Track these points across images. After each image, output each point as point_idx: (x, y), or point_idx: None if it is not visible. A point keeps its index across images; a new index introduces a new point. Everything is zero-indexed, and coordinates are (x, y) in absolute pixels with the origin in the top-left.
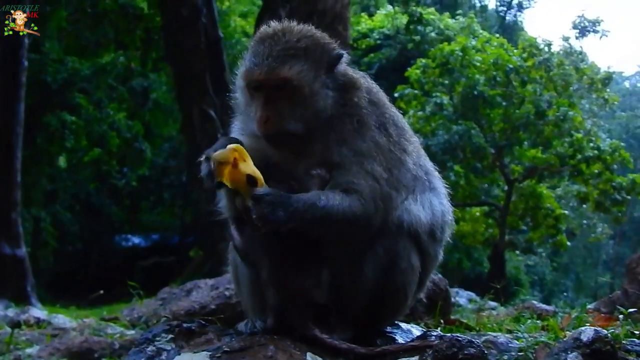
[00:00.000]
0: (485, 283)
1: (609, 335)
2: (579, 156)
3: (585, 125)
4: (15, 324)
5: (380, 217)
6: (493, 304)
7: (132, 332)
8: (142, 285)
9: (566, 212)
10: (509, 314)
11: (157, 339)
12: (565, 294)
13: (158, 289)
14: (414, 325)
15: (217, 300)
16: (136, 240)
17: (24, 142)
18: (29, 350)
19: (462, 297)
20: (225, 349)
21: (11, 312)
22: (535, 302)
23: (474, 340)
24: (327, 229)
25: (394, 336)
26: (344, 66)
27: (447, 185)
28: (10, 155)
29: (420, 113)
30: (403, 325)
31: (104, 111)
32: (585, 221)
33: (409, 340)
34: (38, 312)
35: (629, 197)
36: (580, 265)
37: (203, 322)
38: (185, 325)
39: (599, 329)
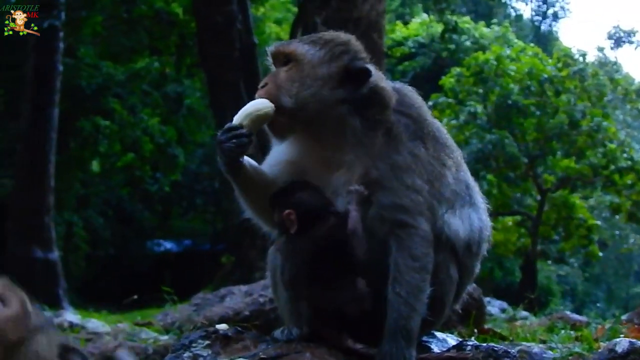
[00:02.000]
0: (516, 293)
1: None
2: (612, 167)
3: (618, 136)
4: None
5: (430, 226)
6: (525, 313)
7: (166, 337)
8: (173, 291)
9: (598, 222)
10: (542, 324)
11: (194, 345)
12: (596, 304)
13: (189, 295)
14: (450, 335)
15: (250, 307)
16: (168, 245)
17: (58, 146)
18: None
19: (494, 306)
20: (262, 356)
21: None
22: (568, 312)
23: (509, 350)
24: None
25: (429, 345)
26: (374, 81)
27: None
28: (44, 160)
29: (453, 122)
30: (439, 334)
31: (138, 116)
32: (617, 232)
33: (444, 349)
34: (72, 316)
35: None
36: (612, 275)
37: (240, 329)
38: (221, 331)
39: (633, 340)
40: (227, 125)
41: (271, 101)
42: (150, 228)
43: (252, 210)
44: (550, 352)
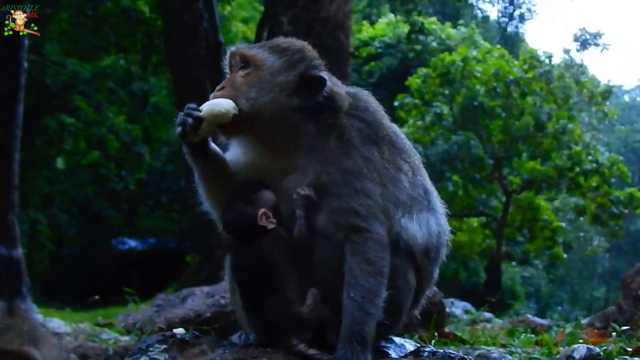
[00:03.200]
0: (481, 294)
1: (601, 353)
2: (577, 169)
3: (584, 138)
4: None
5: (386, 230)
6: (488, 315)
7: (127, 338)
8: (138, 290)
9: (563, 224)
10: (504, 327)
11: (151, 349)
12: (560, 306)
13: (154, 294)
14: (408, 340)
15: (212, 309)
16: (133, 243)
17: (23, 144)
18: None
19: (457, 307)
20: None
21: None
22: (529, 315)
23: (466, 357)
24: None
25: (387, 351)
26: (329, 88)
27: (445, 197)
28: (8, 157)
29: (419, 123)
30: (397, 339)
31: (104, 114)
32: (582, 234)
33: (402, 355)
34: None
35: (626, 211)
36: (576, 277)
37: (197, 333)
38: (179, 335)
39: (591, 346)
40: (189, 104)
41: None
42: (116, 226)
43: (210, 201)
44: (509, 356)
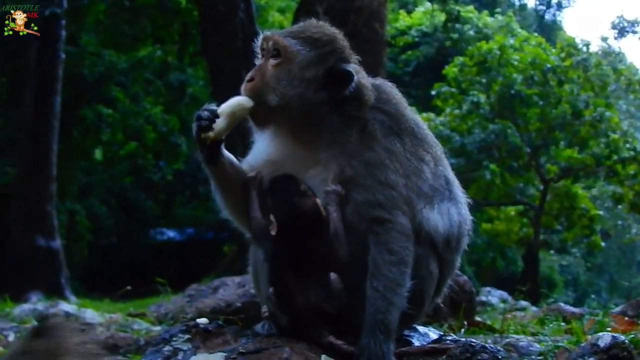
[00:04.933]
0: (518, 282)
1: (626, 341)
2: (615, 157)
3: (621, 126)
4: (44, 318)
5: (409, 220)
6: (525, 303)
7: (158, 328)
8: (175, 280)
9: (601, 212)
10: (536, 316)
11: (174, 339)
12: (598, 294)
13: (191, 284)
14: (431, 329)
15: (242, 298)
16: (171, 234)
17: (60, 135)
18: None
19: (494, 296)
20: (241, 350)
21: (41, 306)
22: (562, 304)
23: (487, 346)
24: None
25: (410, 340)
26: (356, 81)
27: (482, 185)
28: (47, 148)
29: (456, 111)
30: (420, 328)
31: (140, 105)
32: (620, 222)
33: (425, 343)
34: (67, 306)
35: None
36: (614, 266)
37: (220, 323)
38: (202, 325)
39: (616, 334)
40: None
41: (256, 97)
42: (153, 217)
43: (229, 210)
44: (537, 344)
